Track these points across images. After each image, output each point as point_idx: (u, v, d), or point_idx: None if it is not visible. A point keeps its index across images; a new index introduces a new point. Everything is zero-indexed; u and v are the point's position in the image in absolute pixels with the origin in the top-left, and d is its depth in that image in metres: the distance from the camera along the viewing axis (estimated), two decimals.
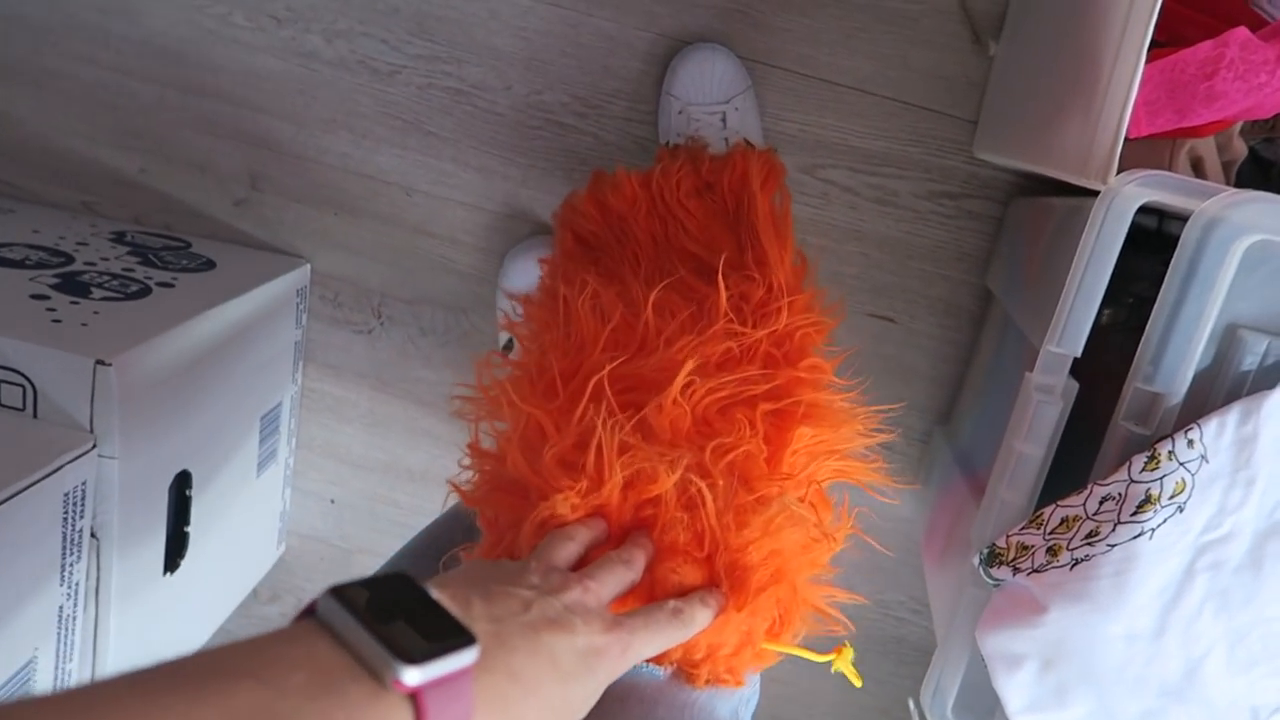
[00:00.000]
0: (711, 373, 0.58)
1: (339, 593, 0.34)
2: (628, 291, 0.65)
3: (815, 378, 0.63)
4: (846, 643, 0.56)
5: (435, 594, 0.37)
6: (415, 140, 1.00)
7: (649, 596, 0.50)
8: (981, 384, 0.95)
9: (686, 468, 0.51)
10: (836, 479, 0.60)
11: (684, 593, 0.50)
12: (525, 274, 1.00)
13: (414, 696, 0.32)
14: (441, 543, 0.78)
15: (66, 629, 0.72)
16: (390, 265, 1.06)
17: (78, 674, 0.76)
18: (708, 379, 0.57)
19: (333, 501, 1.15)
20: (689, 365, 0.55)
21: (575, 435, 0.52)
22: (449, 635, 0.34)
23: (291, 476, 1.13)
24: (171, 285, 0.88)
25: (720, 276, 0.63)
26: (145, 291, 0.85)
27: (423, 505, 1.13)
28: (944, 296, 0.98)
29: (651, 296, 0.61)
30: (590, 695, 0.43)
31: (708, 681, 0.53)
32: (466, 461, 1.06)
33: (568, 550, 0.49)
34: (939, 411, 1.02)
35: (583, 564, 0.50)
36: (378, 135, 1.01)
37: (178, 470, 0.83)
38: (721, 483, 0.51)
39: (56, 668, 0.73)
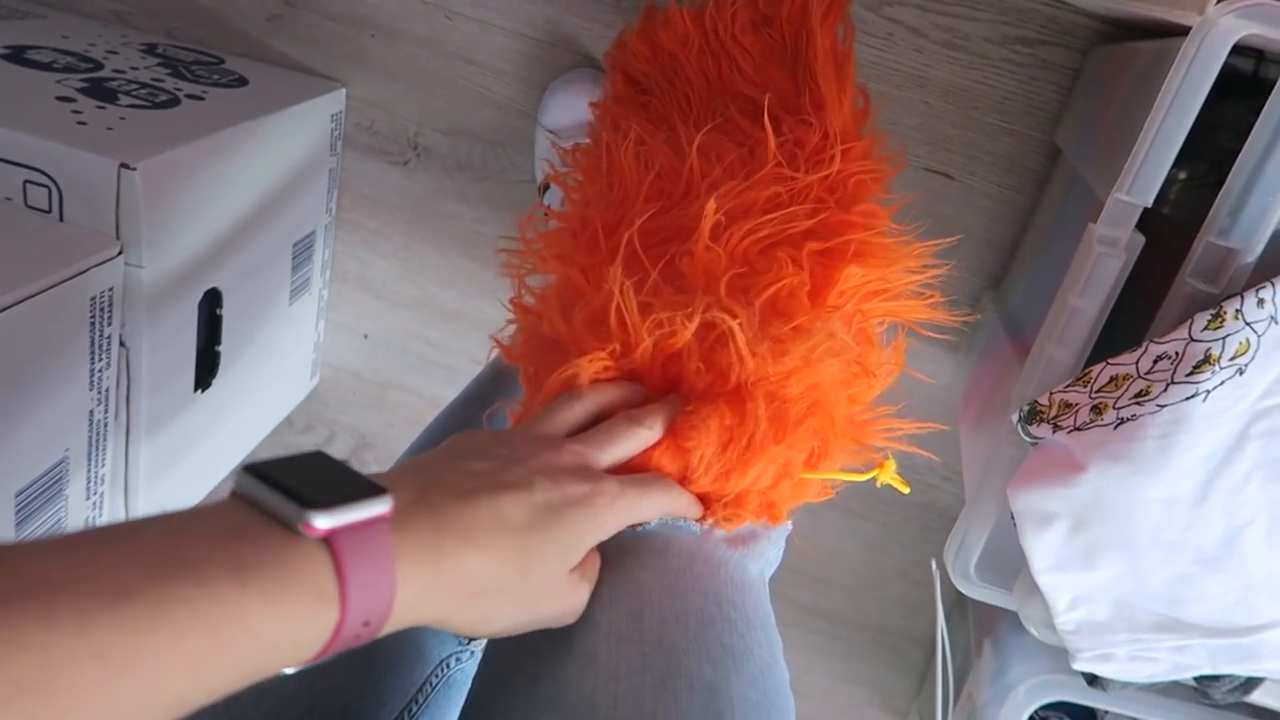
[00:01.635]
0: (756, 215, 0.55)
1: (253, 469, 0.33)
2: (675, 137, 0.62)
3: (868, 222, 0.59)
4: (888, 455, 0.54)
5: (353, 465, 0.36)
6: None
7: (677, 451, 0.48)
8: (1038, 249, 0.91)
9: (707, 309, 0.48)
10: (888, 318, 0.56)
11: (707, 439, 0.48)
12: (566, 109, 0.96)
13: (329, 543, 0.31)
14: (485, 397, 0.77)
15: (98, 434, 0.73)
16: (427, 93, 1.02)
17: (110, 480, 0.77)
18: (747, 220, 0.54)
19: (366, 336, 1.15)
20: (712, 205, 0.52)
21: (604, 295, 0.50)
22: (360, 491, 0.33)
23: (325, 309, 1.12)
24: (201, 98, 0.85)
25: (767, 118, 0.59)
26: (174, 102, 0.82)
27: (455, 344, 1.12)
28: (1007, 153, 0.93)
29: (696, 140, 0.58)
30: (568, 545, 0.41)
31: (747, 519, 0.51)
32: (502, 307, 1.05)
33: (570, 414, 0.47)
34: (990, 276, 0.98)
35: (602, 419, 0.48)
36: None
37: (207, 287, 0.82)
38: (745, 315, 0.48)
39: (88, 471, 0.74)
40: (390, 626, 0.34)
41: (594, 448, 0.45)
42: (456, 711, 0.61)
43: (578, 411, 0.48)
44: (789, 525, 0.53)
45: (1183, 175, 0.68)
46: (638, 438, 0.47)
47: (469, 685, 0.63)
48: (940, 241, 0.56)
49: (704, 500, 0.50)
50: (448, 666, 0.57)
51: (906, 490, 0.55)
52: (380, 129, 1.04)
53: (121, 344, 0.73)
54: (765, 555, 0.54)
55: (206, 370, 0.86)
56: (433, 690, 0.56)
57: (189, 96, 0.84)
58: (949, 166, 0.94)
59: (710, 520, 0.51)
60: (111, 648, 0.26)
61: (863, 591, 1.15)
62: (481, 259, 1.08)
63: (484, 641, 0.66)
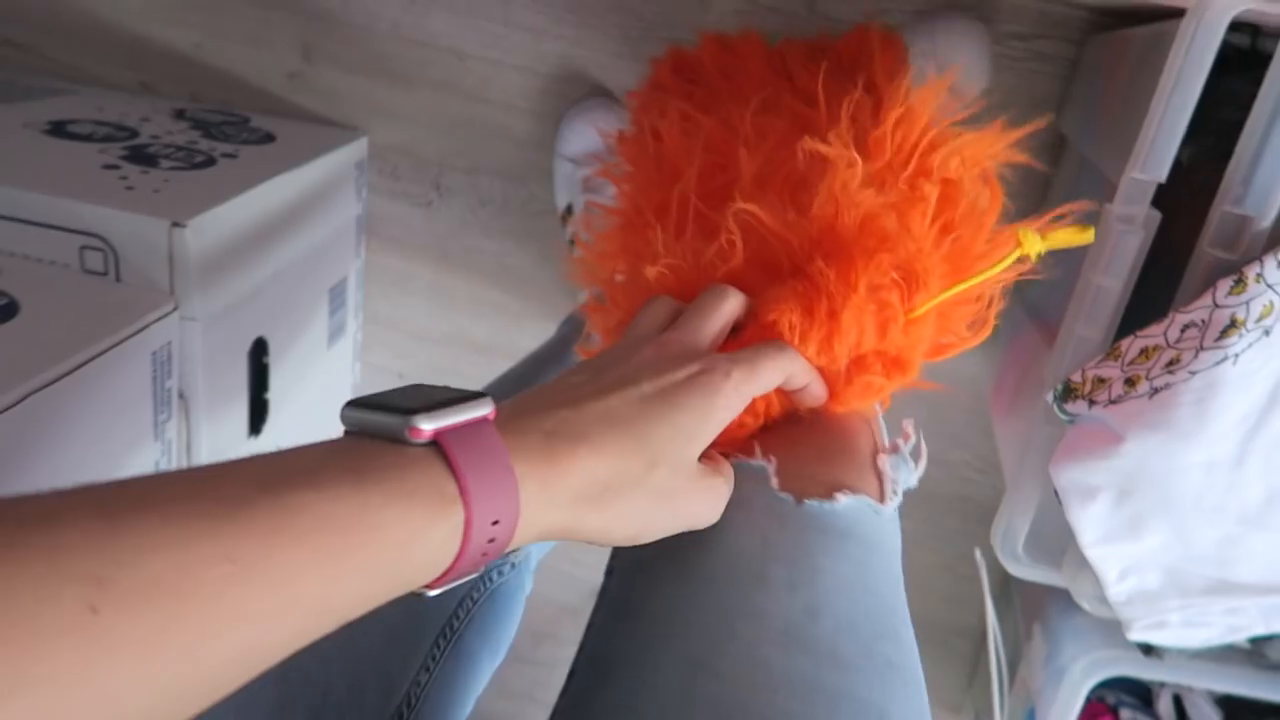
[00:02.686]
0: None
1: (353, 401, 0.34)
2: (727, 116, 0.60)
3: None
4: (1023, 230, 0.50)
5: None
6: (464, 2, 0.98)
7: (766, 329, 0.45)
8: None
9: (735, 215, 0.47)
10: (978, 164, 0.53)
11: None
12: (582, 137, 0.99)
13: (440, 446, 0.31)
14: (551, 355, 0.78)
15: None
16: (446, 135, 1.05)
17: None
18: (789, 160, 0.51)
19: (400, 375, 1.18)
20: (750, 156, 0.51)
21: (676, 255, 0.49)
22: (459, 398, 0.33)
23: (361, 351, 1.15)
24: (234, 156, 0.89)
25: (822, 97, 0.57)
26: (210, 162, 0.86)
27: (487, 376, 1.14)
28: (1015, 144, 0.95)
29: (748, 116, 0.56)
30: (690, 430, 0.38)
31: (882, 384, 0.48)
32: (532, 336, 1.07)
33: (656, 314, 0.46)
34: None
35: None
36: None
37: (255, 336, 0.85)
38: (771, 197, 0.46)
39: None
40: (524, 530, 0.33)
41: (688, 331, 0.43)
42: (508, 622, 0.60)
43: (663, 309, 0.46)
44: (898, 499, 0.47)
45: (1190, 159, 0.70)
46: (727, 305, 0.45)
47: (518, 598, 0.62)
48: (1025, 128, 0.52)
49: (827, 385, 0.47)
50: (490, 580, 0.57)
51: (1088, 237, 0.51)
52: (403, 173, 1.08)
53: (180, 396, 0.76)
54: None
55: (258, 417, 0.88)
56: (475, 605, 0.55)
57: (223, 155, 0.88)
58: None
59: (843, 405, 0.48)
60: (239, 549, 0.26)
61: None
62: (509, 290, 1.11)
63: (527, 551, 0.64)
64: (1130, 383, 0.61)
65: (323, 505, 0.28)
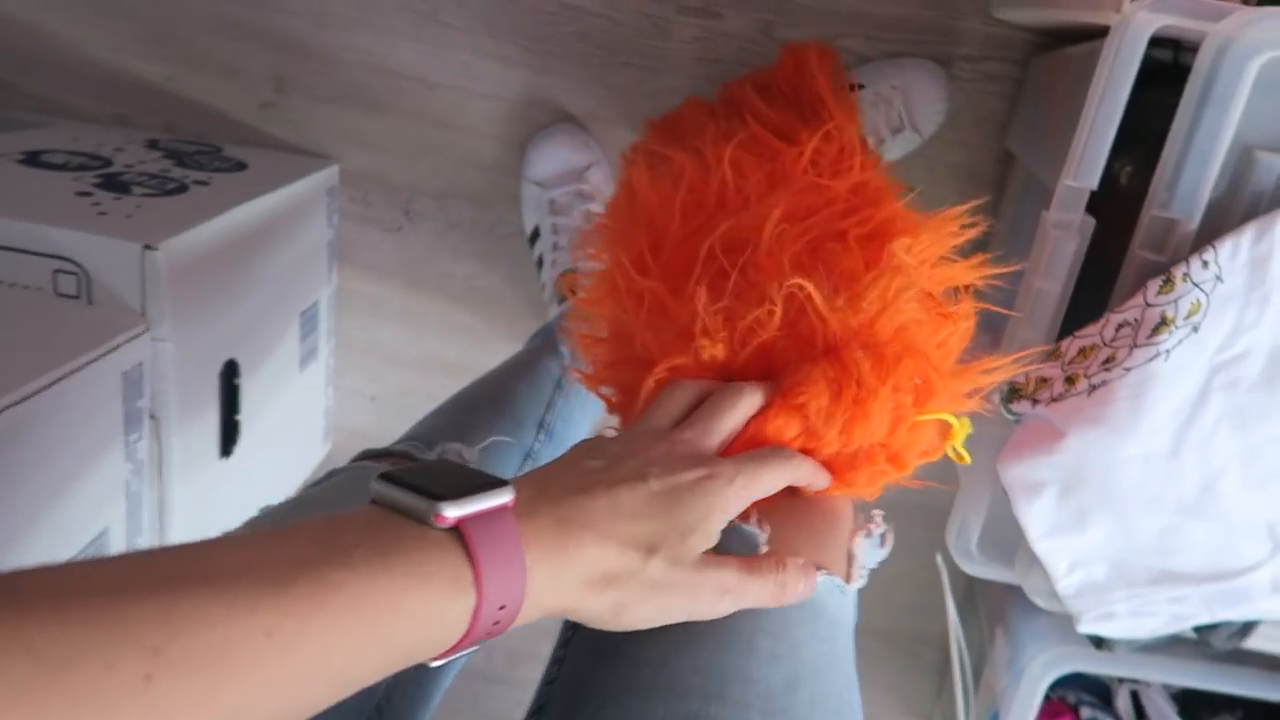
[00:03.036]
0: (799, 221, 0.57)
1: (385, 476, 0.37)
2: (700, 155, 0.64)
3: (900, 212, 0.61)
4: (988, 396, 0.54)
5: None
6: (432, 33, 1.01)
7: (792, 411, 0.48)
8: (1003, 247, 0.96)
9: (781, 287, 0.50)
10: (943, 283, 0.57)
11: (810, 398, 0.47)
12: (548, 161, 1.01)
13: (461, 532, 0.34)
14: (522, 365, 0.82)
15: (134, 504, 0.77)
16: (416, 161, 1.08)
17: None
18: (795, 225, 0.56)
19: (373, 399, 1.19)
20: (776, 214, 0.54)
21: (685, 316, 0.52)
22: (484, 485, 0.36)
23: (333, 375, 1.17)
24: (207, 183, 0.91)
25: (803, 132, 0.63)
26: (183, 189, 0.87)
27: None
28: (964, 162, 0.99)
29: (726, 153, 0.60)
30: (689, 525, 0.41)
31: (880, 476, 0.51)
32: (497, 357, 1.09)
33: (674, 404, 0.48)
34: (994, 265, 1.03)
35: None
36: (397, 30, 1.02)
37: (226, 358, 0.86)
38: (815, 280, 0.49)
39: (127, 541, 0.77)
40: (526, 614, 0.36)
41: (701, 431, 0.45)
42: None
43: (680, 400, 0.48)
44: (863, 581, 0.52)
45: (1124, 176, 0.73)
46: (741, 406, 0.47)
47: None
48: (971, 203, 0.57)
49: (833, 467, 0.50)
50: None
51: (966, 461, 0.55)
52: (374, 199, 1.10)
53: (152, 416, 0.77)
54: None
55: (229, 438, 0.90)
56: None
57: (196, 182, 0.90)
58: (912, 179, 0.99)
59: (850, 490, 0.51)
60: (280, 626, 0.29)
61: (873, 599, 1.18)
62: (478, 313, 1.13)
63: None
64: (1070, 381, 0.63)
65: (355, 584, 0.31)
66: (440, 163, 1.07)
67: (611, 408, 0.57)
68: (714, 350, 0.50)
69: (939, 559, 0.99)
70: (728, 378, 0.51)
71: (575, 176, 1.00)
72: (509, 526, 0.36)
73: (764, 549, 0.47)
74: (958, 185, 0.99)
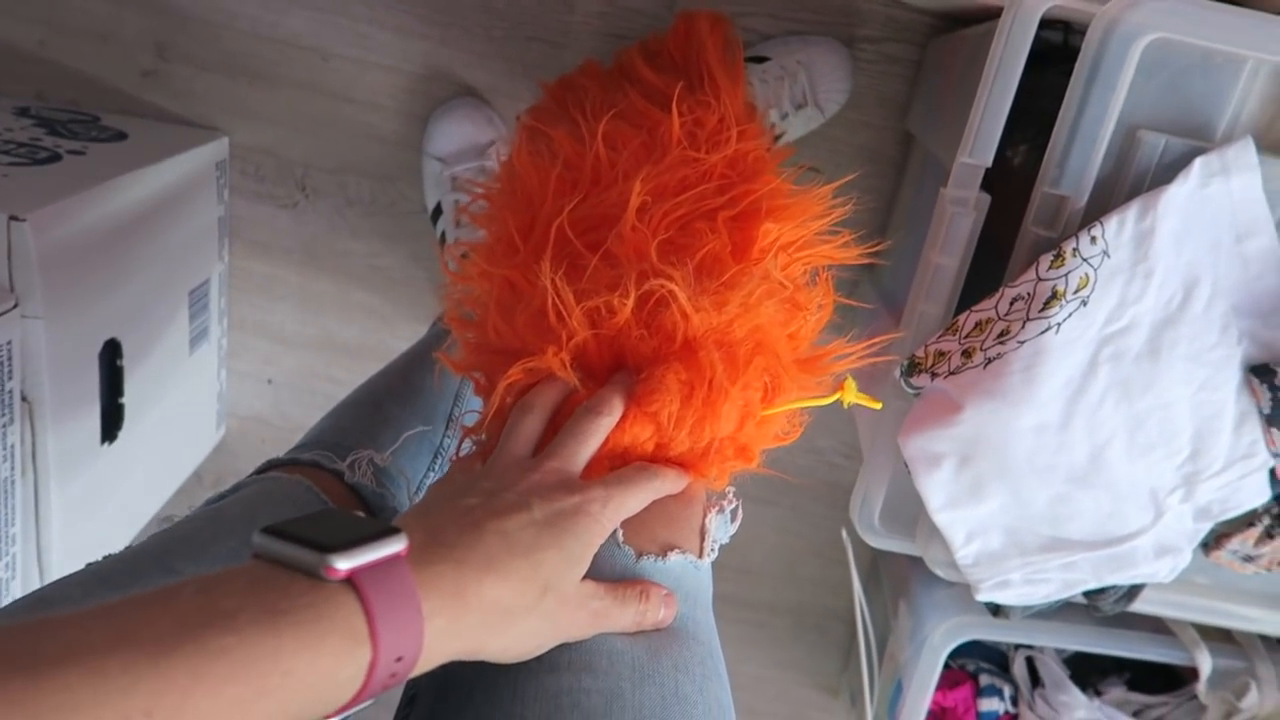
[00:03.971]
0: (669, 197, 0.57)
1: (268, 529, 0.35)
2: (576, 129, 0.64)
3: (773, 187, 0.62)
4: (847, 376, 0.56)
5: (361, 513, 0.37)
6: (328, 1, 0.98)
7: (645, 417, 0.49)
8: (903, 225, 0.98)
9: (641, 279, 0.50)
10: (809, 263, 0.59)
11: (670, 400, 0.49)
12: (451, 137, 0.99)
13: (354, 584, 0.33)
14: (418, 360, 0.79)
15: (5, 491, 0.72)
16: (312, 135, 1.04)
17: (20, 541, 0.76)
18: (665, 201, 0.56)
19: (270, 381, 1.15)
20: (638, 188, 0.55)
21: (540, 293, 0.51)
22: (374, 533, 0.35)
23: (226, 357, 1.12)
24: (82, 153, 0.85)
25: (675, 103, 0.62)
26: (55, 158, 0.82)
27: (359, 380, 1.13)
28: (866, 143, 1.00)
29: (600, 127, 0.60)
30: (577, 554, 0.42)
31: (729, 467, 0.53)
32: (401, 339, 1.07)
33: (528, 429, 0.49)
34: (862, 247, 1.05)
35: (561, 416, 0.50)
36: None
37: (106, 338, 0.82)
38: (680, 275, 0.50)
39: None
40: (425, 661, 0.35)
41: (567, 457, 0.46)
42: None
43: (533, 423, 0.49)
44: (714, 554, 0.54)
45: (1019, 158, 0.75)
46: (600, 426, 0.48)
47: None
48: (837, 183, 0.59)
49: (684, 464, 0.52)
50: None
51: (878, 406, 0.58)
52: (266, 174, 1.05)
53: (23, 398, 0.72)
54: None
55: (112, 422, 0.85)
56: None
57: (70, 152, 0.84)
58: (815, 160, 1.00)
59: (702, 481, 0.53)
60: (159, 703, 0.27)
61: (781, 576, 1.20)
62: (380, 292, 1.10)
63: None
64: (967, 354, 0.65)
65: (240, 650, 0.29)
66: (337, 137, 1.03)
67: (479, 390, 0.56)
68: (562, 356, 0.50)
69: (844, 534, 1.00)
70: (583, 366, 0.51)
71: (478, 152, 0.97)
72: (404, 576, 0.35)
73: (620, 534, 0.48)
74: (860, 165, 1.01)
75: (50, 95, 1.03)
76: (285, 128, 1.03)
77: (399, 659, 0.34)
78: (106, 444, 0.85)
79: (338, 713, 0.34)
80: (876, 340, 0.58)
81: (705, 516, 0.54)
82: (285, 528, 0.35)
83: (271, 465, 0.62)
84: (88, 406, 0.81)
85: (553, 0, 0.96)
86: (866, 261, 0.60)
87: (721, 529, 0.55)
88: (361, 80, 1.01)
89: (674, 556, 0.49)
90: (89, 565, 0.49)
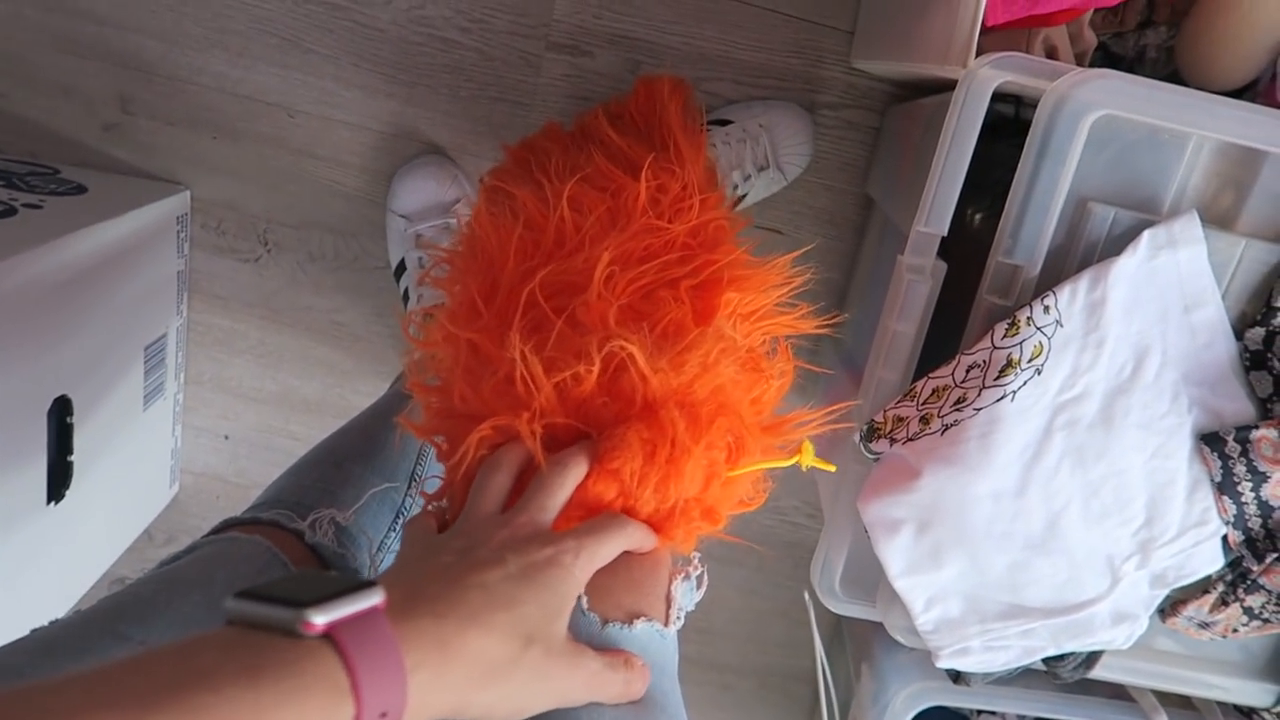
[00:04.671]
0: (633, 265, 0.58)
1: (241, 593, 0.34)
2: (540, 191, 0.64)
3: (733, 258, 0.63)
4: (805, 440, 0.56)
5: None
6: (294, 58, 0.98)
7: (609, 475, 0.49)
8: (864, 289, 0.99)
9: (603, 344, 0.51)
10: (768, 333, 0.60)
11: (630, 460, 0.49)
12: (414, 194, 0.99)
13: (333, 638, 0.33)
14: (378, 422, 0.78)
15: None
16: (275, 190, 1.03)
17: None
18: (629, 269, 0.57)
19: (226, 437, 1.13)
20: (606, 257, 0.55)
21: (507, 361, 0.52)
22: (350, 587, 0.35)
23: (182, 413, 1.10)
24: (39, 207, 0.84)
25: (644, 171, 0.63)
26: (10, 212, 0.81)
27: (319, 436, 1.11)
28: (827, 207, 1.01)
29: (566, 190, 0.61)
30: (555, 606, 0.42)
31: (695, 530, 0.53)
32: (362, 395, 1.06)
33: (496, 486, 0.48)
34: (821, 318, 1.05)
35: (527, 476, 0.50)
36: (254, 53, 0.98)
37: (56, 395, 0.80)
38: (638, 340, 0.50)
39: None
40: (411, 717, 0.35)
41: (537, 510, 0.46)
42: None
43: (502, 481, 0.49)
44: (680, 623, 0.54)
45: (976, 224, 0.77)
46: (567, 479, 0.48)
47: None
48: (796, 253, 0.60)
49: (650, 524, 0.51)
50: None
51: (833, 469, 0.58)
52: (228, 228, 1.05)
53: None
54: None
55: (58, 481, 0.83)
56: None
57: (26, 205, 0.83)
58: (777, 223, 1.02)
59: (668, 544, 0.52)
60: None
61: (745, 637, 1.18)
62: (341, 348, 1.09)
63: None
64: (925, 420, 0.65)
65: (220, 709, 0.29)
66: (300, 192, 1.03)
67: (441, 455, 0.55)
68: (534, 426, 0.50)
69: (806, 596, 1.00)
70: (547, 432, 0.51)
71: (442, 210, 0.98)
72: (383, 628, 0.34)
73: (585, 601, 0.47)
74: (820, 228, 1.02)
75: (9, 147, 1.02)
76: (248, 182, 1.03)
77: (384, 714, 0.33)
78: (53, 504, 0.83)
79: None
80: (836, 408, 0.58)
81: (671, 583, 0.53)
82: (257, 590, 0.34)
83: (229, 524, 0.61)
84: (34, 463, 0.79)
85: (518, 62, 0.97)
86: (825, 331, 0.61)
87: (687, 596, 0.55)
88: (326, 136, 1.01)
89: (640, 625, 0.48)
90: (34, 631, 0.47)
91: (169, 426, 1.07)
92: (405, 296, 1.01)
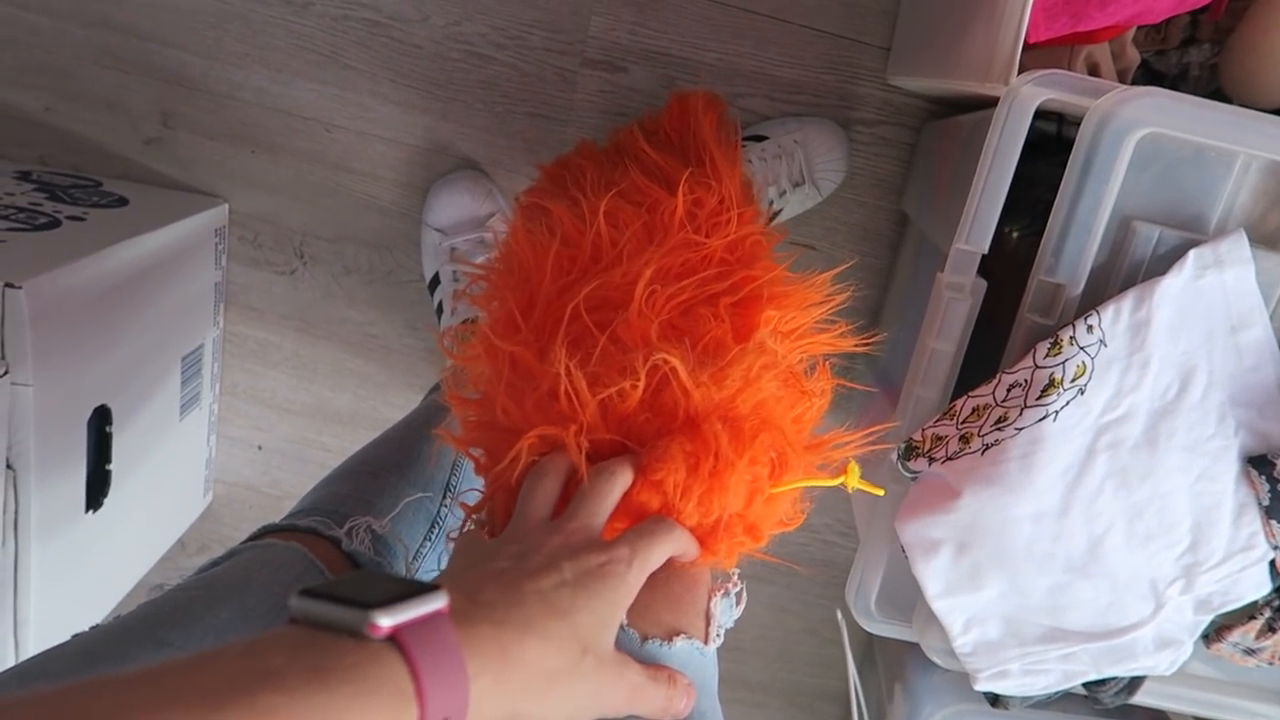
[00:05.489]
0: (672, 281, 0.58)
1: (305, 591, 0.35)
2: (575, 207, 0.64)
3: (772, 274, 0.63)
4: (851, 460, 0.56)
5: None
6: (332, 74, 0.99)
7: (652, 486, 0.49)
8: (898, 306, 0.98)
9: (646, 359, 0.50)
10: (807, 352, 0.59)
11: (675, 473, 0.49)
12: (449, 209, 1.00)
13: (398, 641, 0.33)
14: (416, 433, 0.79)
15: None
16: (311, 204, 1.04)
17: None
18: (668, 285, 0.57)
19: (260, 448, 1.14)
20: (647, 274, 0.55)
21: (551, 376, 0.52)
22: (415, 590, 0.35)
23: (216, 423, 1.11)
24: (82, 219, 0.86)
25: (680, 185, 0.63)
26: (55, 224, 0.82)
27: (351, 448, 1.11)
28: (861, 223, 1.01)
29: (602, 205, 0.61)
30: (608, 615, 0.42)
31: (739, 546, 0.52)
32: (395, 408, 1.06)
33: (545, 493, 0.48)
34: (859, 338, 1.05)
35: (570, 489, 0.49)
36: (293, 69, 0.99)
37: (96, 404, 0.81)
38: (680, 354, 0.50)
39: None
40: None
41: (588, 516, 0.46)
42: None
43: (551, 487, 0.49)
44: (720, 640, 0.54)
45: (1015, 238, 0.76)
46: (615, 487, 0.48)
47: None
48: (834, 270, 0.60)
49: (696, 540, 0.51)
50: None
51: (881, 492, 0.58)
52: (265, 241, 1.06)
53: (8, 466, 0.71)
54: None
55: (97, 490, 0.84)
56: None
57: (70, 218, 0.85)
58: (812, 238, 1.01)
59: (711, 560, 0.52)
60: None
61: (775, 655, 1.17)
62: (374, 360, 1.09)
63: None
64: (965, 439, 0.64)
65: (290, 708, 0.29)
66: (336, 206, 1.04)
67: (479, 469, 0.55)
68: (580, 440, 0.50)
69: (839, 615, 0.99)
70: (591, 446, 0.51)
71: (477, 224, 0.98)
72: (448, 634, 0.35)
73: (624, 617, 0.47)
74: (855, 245, 1.01)
75: (53, 160, 1.03)
76: (285, 196, 1.04)
77: (445, 718, 0.33)
78: (91, 511, 0.83)
79: None
80: (877, 428, 0.57)
81: (710, 600, 0.53)
82: (322, 588, 0.35)
83: (267, 531, 0.61)
84: (74, 474, 0.80)
85: (554, 78, 0.98)
86: (862, 350, 0.60)
87: (726, 613, 0.54)
88: (363, 151, 1.02)
89: (680, 642, 0.48)
90: (75, 637, 0.48)
91: (204, 436, 1.08)
92: (439, 310, 1.02)
